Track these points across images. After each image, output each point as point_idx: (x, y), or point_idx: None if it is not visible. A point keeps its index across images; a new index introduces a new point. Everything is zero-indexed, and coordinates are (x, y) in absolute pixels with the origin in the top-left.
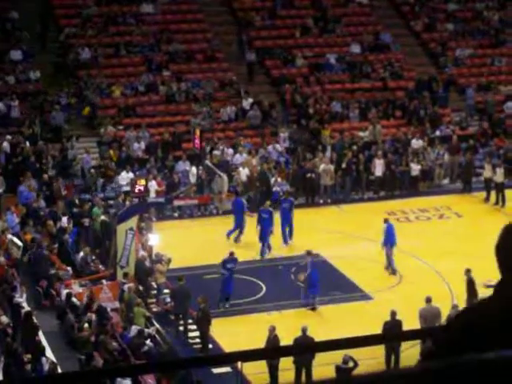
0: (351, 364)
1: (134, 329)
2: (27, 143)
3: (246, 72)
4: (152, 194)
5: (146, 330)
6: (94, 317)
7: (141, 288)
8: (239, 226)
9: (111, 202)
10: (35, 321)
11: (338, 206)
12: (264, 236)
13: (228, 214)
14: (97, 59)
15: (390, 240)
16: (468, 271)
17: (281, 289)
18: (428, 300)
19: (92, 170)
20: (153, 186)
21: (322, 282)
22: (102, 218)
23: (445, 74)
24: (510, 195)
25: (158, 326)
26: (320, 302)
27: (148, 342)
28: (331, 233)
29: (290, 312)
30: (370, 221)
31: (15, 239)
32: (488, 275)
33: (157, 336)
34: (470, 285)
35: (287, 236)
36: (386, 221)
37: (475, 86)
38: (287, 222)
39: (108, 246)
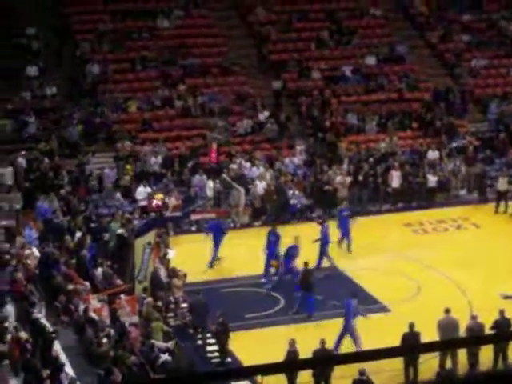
0: (366, 378)
1: (151, 343)
2: (45, 159)
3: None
4: (171, 209)
5: (163, 344)
6: (112, 331)
7: (159, 303)
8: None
9: (129, 216)
10: (53, 335)
11: (355, 218)
12: (269, 258)
13: (246, 227)
14: (107, 74)
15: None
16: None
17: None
18: (446, 311)
19: (109, 185)
20: (170, 201)
21: (339, 294)
22: (119, 231)
23: (461, 85)
24: None
25: (175, 340)
26: (338, 314)
27: (165, 356)
28: (347, 245)
29: (308, 325)
30: (387, 233)
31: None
32: (506, 287)
33: (175, 350)
34: None
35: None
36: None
37: (497, 99)
38: (347, 232)
39: (125, 261)
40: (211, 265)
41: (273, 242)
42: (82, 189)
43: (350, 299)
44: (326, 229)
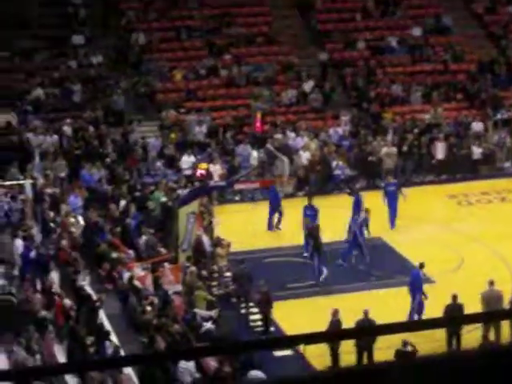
0: (410, 348)
1: (194, 312)
2: (90, 127)
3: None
4: (216, 178)
5: (206, 312)
6: (156, 300)
7: (203, 272)
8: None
9: (173, 185)
10: (98, 303)
11: (401, 191)
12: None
13: (290, 197)
14: (152, 43)
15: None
16: None
17: (342, 272)
18: (490, 283)
19: (154, 154)
20: (216, 169)
21: (384, 266)
22: (163, 200)
23: (506, 57)
24: None
25: (219, 308)
26: (383, 284)
27: (209, 324)
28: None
29: (352, 295)
30: (431, 204)
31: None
32: None
33: (218, 319)
34: None
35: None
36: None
37: None
38: (393, 208)
39: (169, 230)
40: (275, 227)
41: (311, 217)
42: (129, 158)
43: (418, 270)
44: (357, 199)
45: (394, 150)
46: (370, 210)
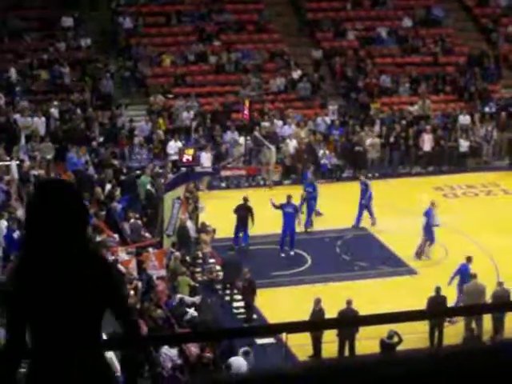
0: (396, 339)
1: (178, 297)
2: (78, 110)
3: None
4: (206, 164)
5: (190, 298)
6: (139, 284)
7: (187, 258)
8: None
9: (159, 170)
10: None
11: (386, 180)
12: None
13: (275, 185)
14: (141, 27)
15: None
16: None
17: (326, 261)
18: (473, 276)
19: (141, 139)
20: (205, 156)
21: (368, 256)
22: (148, 187)
23: (496, 50)
24: None
25: (202, 295)
26: (366, 275)
27: (192, 310)
28: (378, 206)
29: (335, 285)
30: (417, 195)
31: None
32: None
33: (201, 305)
34: None
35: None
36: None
37: None
38: (360, 204)
39: (153, 215)
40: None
41: (311, 193)
42: (116, 141)
43: (466, 264)
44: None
45: (378, 140)
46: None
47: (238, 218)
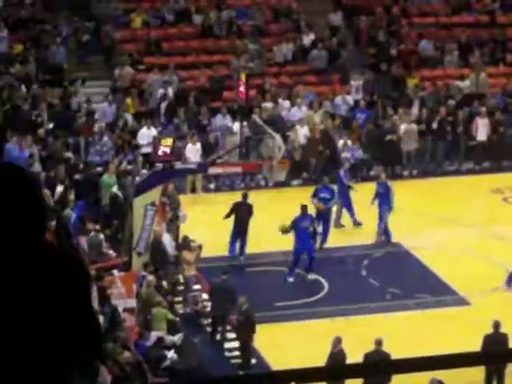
0: None
1: (153, 336)
2: (21, 87)
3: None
4: (194, 159)
5: (169, 337)
6: (101, 319)
7: (164, 283)
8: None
9: (128, 167)
10: None
11: (427, 179)
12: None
13: (281, 186)
14: None
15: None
16: None
17: (348, 287)
18: None
19: (103, 125)
20: (191, 148)
21: (403, 280)
22: (113, 190)
23: None
24: None
25: (184, 332)
26: (401, 306)
27: (171, 353)
28: (416, 215)
29: (360, 319)
30: (468, 200)
31: None
32: None
33: (183, 346)
34: None
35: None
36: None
37: None
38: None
39: (121, 226)
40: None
41: (324, 200)
42: (77, 128)
43: None
44: (382, 188)
45: (415, 127)
46: None
47: (235, 221)
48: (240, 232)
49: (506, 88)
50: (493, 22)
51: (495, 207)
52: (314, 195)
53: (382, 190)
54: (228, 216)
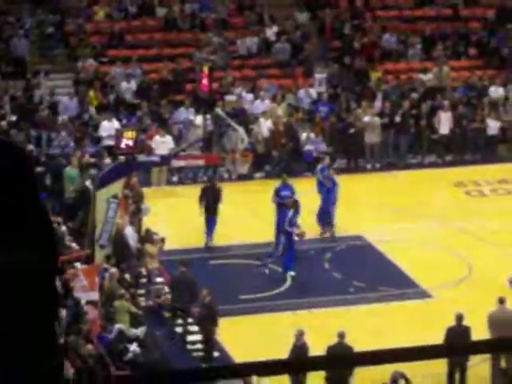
0: (403, 383)
1: (116, 329)
2: None
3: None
4: (161, 150)
5: (132, 330)
6: (64, 312)
7: (126, 276)
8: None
9: (90, 160)
10: None
11: (390, 172)
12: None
13: (244, 179)
14: None
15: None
16: None
17: (311, 280)
18: (501, 301)
19: (65, 118)
20: (159, 140)
21: (366, 273)
22: (75, 182)
23: None
24: None
25: (147, 325)
26: (364, 299)
27: (133, 346)
28: (379, 208)
29: (323, 312)
30: (431, 193)
31: None
32: None
33: (146, 339)
34: None
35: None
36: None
37: None
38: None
39: (83, 219)
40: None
41: (287, 198)
42: (40, 121)
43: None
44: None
45: (378, 120)
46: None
47: (206, 207)
48: (209, 217)
49: (469, 81)
50: (456, 15)
51: (458, 200)
52: (276, 195)
53: (330, 185)
54: (201, 200)
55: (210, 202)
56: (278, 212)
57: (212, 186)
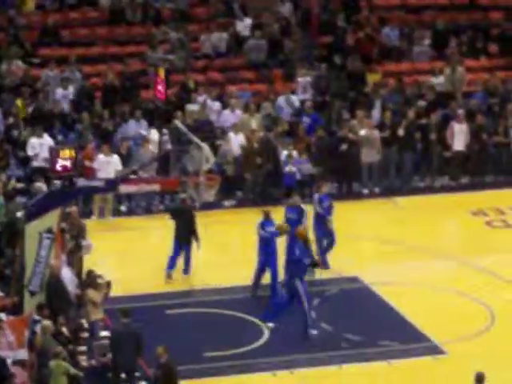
0: None
1: None
2: None
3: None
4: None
5: None
6: None
7: (64, 330)
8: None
9: (17, 185)
10: None
11: (392, 198)
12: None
13: (210, 208)
14: None
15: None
16: None
17: (294, 333)
18: None
19: None
20: (104, 160)
21: (363, 324)
22: (3, 212)
23: None
24: None
25: None
26: (360, 356)
27: None
28: (379, 243)
29: (309, 372)
30: (443, 224)
31: None
32: None
33: None
34: None
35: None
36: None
37: None
38: (321, 231)
39: (9, 258)
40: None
41: (271, 235)
42: None
43: None
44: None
45: (377, 134)
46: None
47: (176, 230)
48: (182, 244)
49: (489, 85)
50: (473, 3)
51: (477, 233)
52: (261, 227)
53: (294, 217)
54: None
55: (184, 227)
56: (264, 247)
57: (184, 208)
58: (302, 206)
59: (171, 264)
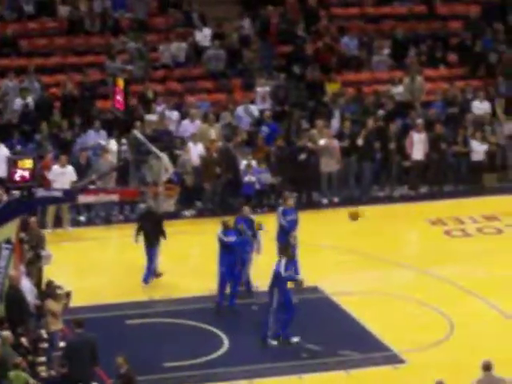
0: None
1: None
2: None
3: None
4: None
5: None
6: None
7: (23, 340)
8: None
9: None
10: None
11: (352, 208)
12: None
13: (169, 218)
14: None
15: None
16: None
17: (254, 343)
18: (486, 367)
19: None
20: (59, 171)
21: (322, 334)
22: None
23: None
24: None
25: None
26: (320, 366)
27: None
28: (338, 253)
29: (269, 381)
30: (402, 233)
31: None
32: None
33: None
34: None
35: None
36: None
37: None
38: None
39: None
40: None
41: (237, 244)
42: None
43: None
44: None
45: (335, 143)
46: None
47: (146, 235)
48: (149, 249)
49: (448, 95)
50: (432, 13)
51: (436, 242)
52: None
53: (243, 228)
54: (138, 233)
55: (151, 231)
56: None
57: (151, 215)
58: (252, 217)
59: (148, 273)
